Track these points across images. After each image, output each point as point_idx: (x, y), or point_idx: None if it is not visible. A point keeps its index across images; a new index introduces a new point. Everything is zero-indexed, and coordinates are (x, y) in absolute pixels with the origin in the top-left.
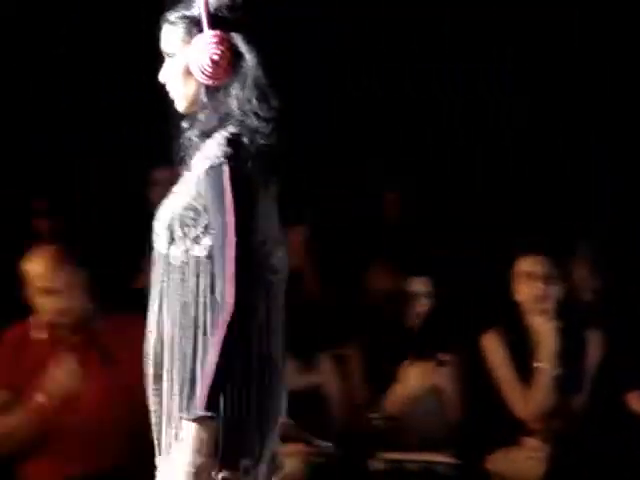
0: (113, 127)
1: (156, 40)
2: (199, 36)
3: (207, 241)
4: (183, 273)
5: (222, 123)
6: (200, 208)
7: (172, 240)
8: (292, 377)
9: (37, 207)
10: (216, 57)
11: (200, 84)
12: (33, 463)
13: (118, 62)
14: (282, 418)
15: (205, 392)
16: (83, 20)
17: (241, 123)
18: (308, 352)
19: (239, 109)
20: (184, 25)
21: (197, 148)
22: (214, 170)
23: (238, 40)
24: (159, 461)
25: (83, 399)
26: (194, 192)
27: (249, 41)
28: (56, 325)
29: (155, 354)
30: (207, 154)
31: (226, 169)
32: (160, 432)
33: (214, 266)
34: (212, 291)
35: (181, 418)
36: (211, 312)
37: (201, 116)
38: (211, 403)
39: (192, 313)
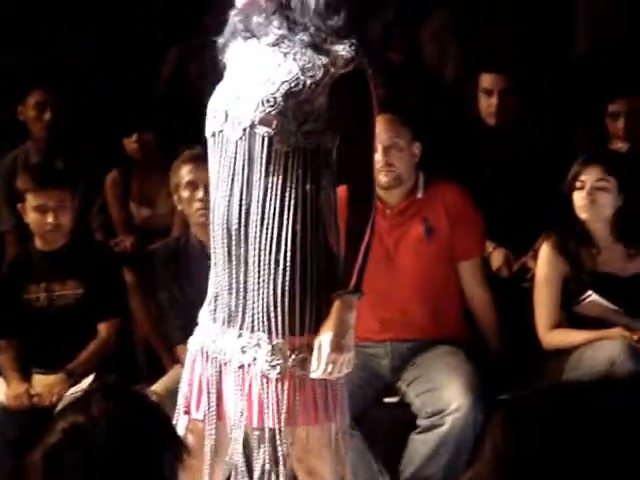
0: None
1: None
2: None
3: (317, 137)
4: (287, 161)
5: (292, 30)
6: (319, 107)
7: (279, 128)
8: (621, 263)
9: None
10: None
11: None
12: None
13: None
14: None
15: (358, 273)
16: None
17: (317, 31)
18: (636, 238)
19: (306, 16)
20: None
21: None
22: (360, 74)
23: None
24: (229, 333)
25: (400, 263)
26: (315, 90)
27: None
28: (382, 186)
29: (236, 231)
30: (341, 57)
31: (369, 74)
32: (237, 304)
33: (319, 159)
34: (310, 180)
35: (336, 295)
36: (313, 200)
37: (256, 18)
38: (362, 282)
39: (293, 199)
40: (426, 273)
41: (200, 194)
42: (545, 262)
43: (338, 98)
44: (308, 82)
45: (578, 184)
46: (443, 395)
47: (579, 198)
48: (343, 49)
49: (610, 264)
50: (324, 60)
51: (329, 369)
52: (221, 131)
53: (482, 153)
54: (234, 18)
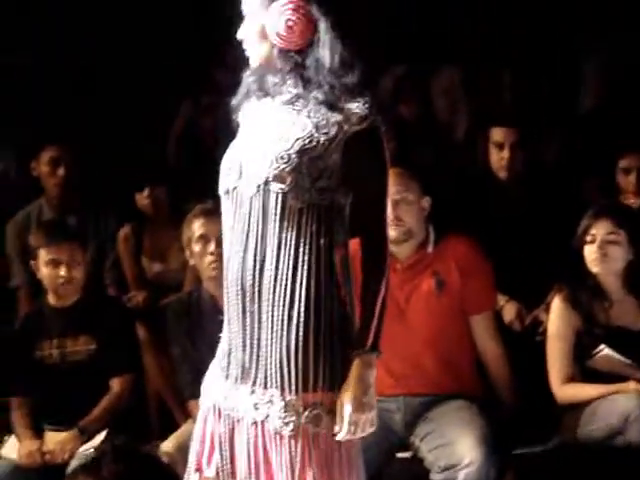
0: None
1: None
2: (277, 1)
3: (331, 193)
4: (301, 217)
5: (307, 88)
6: (333, 164)
7: (293, 185)
8: (633, 316)
9: None
10: (291, 23)
11: (274, 47)
12: None
13: None
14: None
15: (375, 331)
16: None
17: (331, 88)
18: None
19: (320, 75)
20: None
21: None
22: (373, 132)
23: (314, 8)
24: (241, 390)
25: (411, 317)
26: (329, 147)
27: (326, 9)
28: (391, 240)
29: (250, 286)
30: (354, 114)
31: (382, 132)
32: (250, 360)
33: (332, 214)
34: (324, 236)
35: (355, 355)
36: (327, 256)
37: (271, 78)
38: (379, 340)
39: (307, 255)
40: (438, 327)
41: (212, 247)
42: (557, 316)
43: (351, 155)
44: (322, 139)
45: (589, 238)
46: (456, 450)
47: (590, 252)
48: (357, 107)
49: (622, 317)
50: (338, 117)
51: (352, 429)
52: (235, 188)
53: (493, 206)
54: (248, 79)
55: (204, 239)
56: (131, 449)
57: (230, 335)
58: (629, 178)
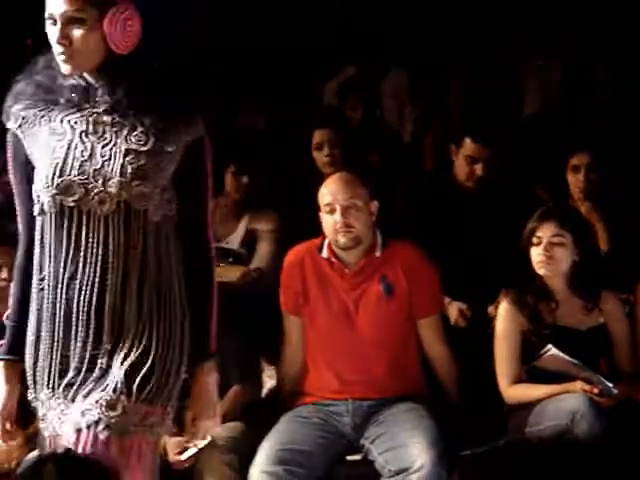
0: None
1: None
2: (113, 7)
3: (173, 205)
4: (157, 230)
5: (138, 94)
6: (170, 174)
7: (149, 199)
8: (578, 316)
9: None
10: (130, 28)
11: (103, 50)
12: (315, 371)
13: None
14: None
15: (213, 337)
16: None
17: (161, 94)
18: (593, 291)
19: (150, 79)
20: None
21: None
22: (200, 142)
23: (136, 11)
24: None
25: (360, 321)
26: (170, 158)
27: (145, 11)
28: (341, 246)
29: (115, 305)
30: (185, 128)
31: (207, 141)
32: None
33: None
34: (177, 247)
35: (197, 365)
36: (179, 267)
37: (102, 89)
38: (216, 343)
39: (167, 269)
40: (386, 331)
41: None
42: (504, 317)
43: (182, 165)
44: (167, 149)
45: (535, 240)
46: (407, 453)
47: (536, 254)
48: (189, 115)
49: (568, 318)
50: (176, 126)
51: (200, 436)
52: (75, 207)
53: (441, 209)
54: (62, 83)
55: None
56: (72, 456)
57: (57, 353)
58: (578, 176)
